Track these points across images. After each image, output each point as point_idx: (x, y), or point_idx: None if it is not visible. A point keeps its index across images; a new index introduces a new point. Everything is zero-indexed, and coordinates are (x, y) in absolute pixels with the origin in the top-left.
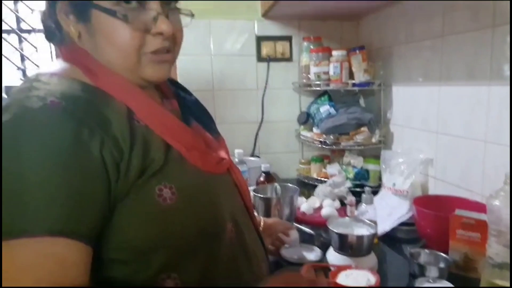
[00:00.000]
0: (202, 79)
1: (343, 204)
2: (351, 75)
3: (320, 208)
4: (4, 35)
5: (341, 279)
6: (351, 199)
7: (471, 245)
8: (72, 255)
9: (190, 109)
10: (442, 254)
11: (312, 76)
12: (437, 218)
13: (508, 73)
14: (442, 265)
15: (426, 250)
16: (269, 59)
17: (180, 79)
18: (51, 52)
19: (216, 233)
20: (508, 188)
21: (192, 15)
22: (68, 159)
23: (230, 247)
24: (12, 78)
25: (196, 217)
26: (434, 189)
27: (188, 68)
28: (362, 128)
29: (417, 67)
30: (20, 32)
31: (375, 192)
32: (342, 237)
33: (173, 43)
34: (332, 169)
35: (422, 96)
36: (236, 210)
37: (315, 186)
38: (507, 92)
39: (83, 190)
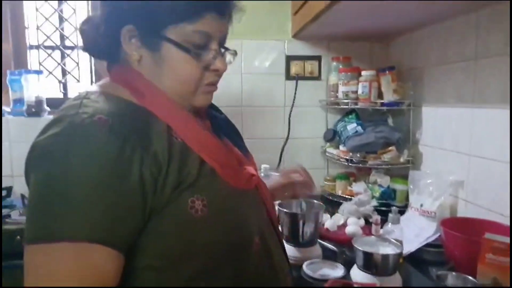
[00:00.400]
0: (232, 96)
1: (368, 222)
2: (380, 95)
3: (344, 225)
4: (48, 50)
5: None
6: (376, 217)
7: (500, 270)
8: (107, 263)
9: (221, 127)
10: (470, 277)
11: (340, 95)
12: (466, 241)
13: None
14: None
15: (454, 273)
16: (298, 78)
17: None
18: (91, 67)
19: (244, 245)
20: None
21: (236, 54)
22: (111, 172)
23: (257, 259)
24: (54, 91)
25: (225, 229)
26: (464, 212)
27: (219, 85)
28: (390, 148)
29: (449, 89)
30: (63, 48)
31: (401, 212)
32: (367, 255)
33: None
34: (358, 187)
35: (454, 117)
36: (262, 224)
37: (340, 204)
38: None
39: (122, 202)
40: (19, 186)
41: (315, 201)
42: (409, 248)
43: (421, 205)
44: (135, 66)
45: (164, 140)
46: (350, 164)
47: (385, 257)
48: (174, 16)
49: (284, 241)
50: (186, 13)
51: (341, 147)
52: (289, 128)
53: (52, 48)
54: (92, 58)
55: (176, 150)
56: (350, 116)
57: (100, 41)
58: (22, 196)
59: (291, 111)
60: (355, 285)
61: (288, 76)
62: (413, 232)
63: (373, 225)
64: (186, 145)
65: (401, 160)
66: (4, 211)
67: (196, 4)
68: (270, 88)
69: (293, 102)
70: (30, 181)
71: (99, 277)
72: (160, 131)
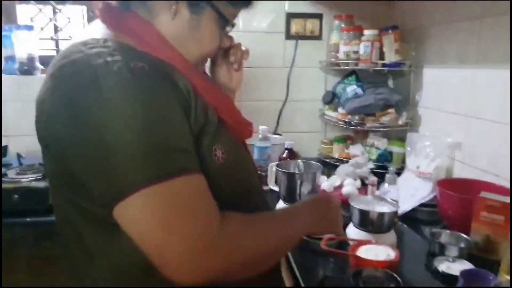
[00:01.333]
0: None
1: (364, 184)
2: (381, 56)
3: (341, 186)
4: (39, 5)
5: (361, 252)
6: (373, 179)
7: (494, 228)
8: (204, 184)
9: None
10: (463, 235)
11: (341, 55)
12: (460, 200)
13: None
14: (462, 245)
15: (447, 231)
16: (298, 37)
17: None
18: (84, 22)
19: (253, 190)
20: None
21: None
22: (169, 110)
23: (262, 202)
24: (46, 48)
25: (239, 177)
26: (460, 173)
27: None
28: (389, 110)
29: (451, 50)
30: (55, 3)
31: (397, 174)
32: (364, 213)
33: None
34: (355, 149)
35: (455, 79)
36: (254, 169)
37: (336, 166)
38: None
39: (185, 135)
40: (14, 145)
41: (313, 162)
42: (404, 207)
43: (418, 167)
44: (156, 21)
45: (190, 90)
46: (348, 127)
47: (381, 215)
48: None
49: (281, 200)
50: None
51: (339, 109)
52: (287, 90)
53: (43, 2)
54: (87, 10)
55: (198, 97)
56: (350, 78)
57: None
58: (18, 155)
59: (290, 72)
60: (351, 242)
61: (288, 35)
62: (408, 192)
63: (369, 186)
64: (203, 98)
65: (400, 122)
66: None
67: None
68: (269, 48)
69: (293, 63)
70: (78, 139)
71: (208, 197)
72: (183, 82)
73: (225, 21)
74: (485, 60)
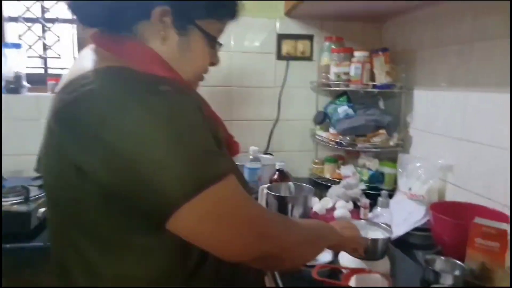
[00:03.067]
0: (220, 75)
1: (356, 206)
2: (372, 77)
3: (333, 209)
4: (28, 23)
5: (354, 282)
6: (365, 201)
7: (489, 255)
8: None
9: None
10: (458, 262)
11: (332, 76)
12: (454, 226)
13: None
14: (457, 273)
15: (442, 257)
16: (289, 58)
17: None
18: (73, 41)
19: None
20: None
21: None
22: (202, 121)
23: None
24: (35, 66)
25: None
26: (453, 196)
27: None
28: (380, 131)
29: (442, 72)
30: (44, 21)
31: (389, 195)
32: None
33: None
34: (346, 170)
35: (446, 101)
36: None
37: (328, 187)
38: None
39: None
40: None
41: (304, 184)
42: (397, 231)
43: (410, 189)
44: (151, 44)
45: (201, 106)
46: (339, 147)
47: (374, 241)
48: (214, 12)
49: None
50: (226, 13)
51: (330, 130)
52: (279, 110)
53: (32, 20)
54: (77, 30)
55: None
56: (341, 98)
57: (115, 12)
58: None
59: (281, 92)
60: (344, 270)
61: (279, 56)
62: (401, 216)
63: (361, 209)
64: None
65: (391, 143)
66: None
67: (233, 9)
68: (260, 68)
69: (284, 83)
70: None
71: (247, 195)
72: (195, 97)
73: (213, 38)
74: (476, 84)
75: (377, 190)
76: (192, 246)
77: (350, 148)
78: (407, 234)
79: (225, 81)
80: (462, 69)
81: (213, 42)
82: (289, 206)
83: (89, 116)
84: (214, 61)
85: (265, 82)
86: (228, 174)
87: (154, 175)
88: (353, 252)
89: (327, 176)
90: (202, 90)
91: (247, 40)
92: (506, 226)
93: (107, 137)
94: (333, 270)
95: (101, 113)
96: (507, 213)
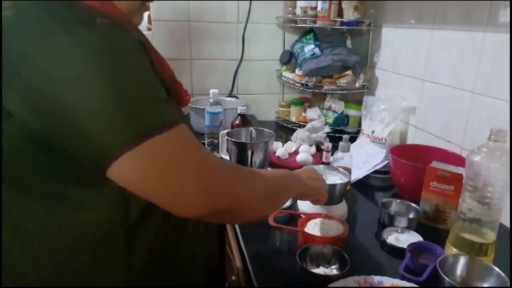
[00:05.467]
0: (177, 9)
1: (319, 149)
2: (340, 14)
3: (296, 153)
4: None
5: (310, 228)
6: (327, 145)
7: (443, 197)
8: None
9: None
10: (413, 204)
11: (298, 11)
12: (412, 168)
13: (506, 19)
14: (412, 215)
15: (398, 200)
16: None
17: (153, 9)
18: None
19: None
20: (492, 144)
21: None
22: (143, 62)
23: None
24: None
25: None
26: (414, 138)
27: None
28: (347, 72)
29: (410, 8)
30: None
31: (353, 138)
32: None
33: None
34: (312, 113)
35: (413, 39)
36: None
37: (294, 130)
38: (502, 41)
39: (160, 86)
40: None
41: (266, 129)
42: (357, 174)
43: (373, 131)
44: None
45: (146, 47)
46: (305, 89)
47: (333, 186)
48: None
49: None
50: None
51: (297, 71)
52: (243, 49)
53: None
54: None
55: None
56: (307, 36)
57: None
58: None
59: (245, 28)
60: (302, 215)
61: None
62: (362, 158)
63: (324, 152)
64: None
65: (357, 85)
66: None
67: None
68: (221, 1)
69: (248, 18)
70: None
71: (199, 143)
72: (141, 38)
73: None
74: (443, 21)
75: (342, 133)
76: (136, 198)
77: (316, 90)
78: (368, 177)
79: (182, 16)
80: (430, 5)
81: None
82: (249, 152)
83: (8, 48)
84: None
85: (227, 17)
86: (179, 123)
87: (87, 120)
88: (315, 202)
89: (293, 119)
90: (156, 25)
91: None
92: (462, 171)
93: (29, 75)
94: (291, 216)
95: (22, 45)
96: (464, 155)
